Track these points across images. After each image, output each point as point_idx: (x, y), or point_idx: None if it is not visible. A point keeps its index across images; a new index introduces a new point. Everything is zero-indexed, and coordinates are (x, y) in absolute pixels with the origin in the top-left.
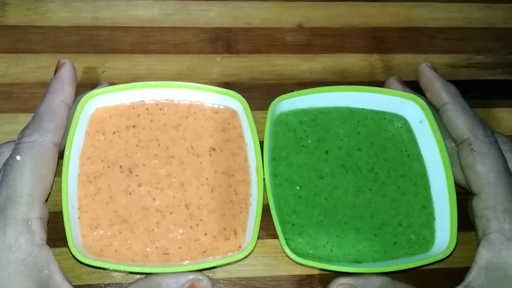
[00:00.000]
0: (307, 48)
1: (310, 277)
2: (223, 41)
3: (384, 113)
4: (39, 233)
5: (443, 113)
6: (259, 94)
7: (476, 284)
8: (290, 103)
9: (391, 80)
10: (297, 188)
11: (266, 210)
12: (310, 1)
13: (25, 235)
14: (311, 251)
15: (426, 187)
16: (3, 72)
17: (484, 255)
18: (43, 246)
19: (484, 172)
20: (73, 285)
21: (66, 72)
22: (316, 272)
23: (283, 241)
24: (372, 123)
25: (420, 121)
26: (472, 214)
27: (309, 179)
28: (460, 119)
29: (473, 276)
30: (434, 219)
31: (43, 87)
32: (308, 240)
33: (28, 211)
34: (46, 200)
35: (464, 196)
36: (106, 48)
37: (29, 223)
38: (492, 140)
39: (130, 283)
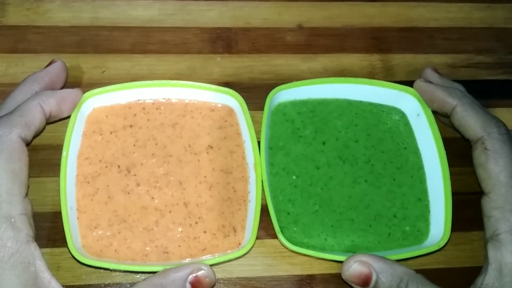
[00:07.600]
0: (307, 48)
1: (310, 277)
2: (223, 41)
3: (382, 106)
4: (24, 230)
5: (454, 116)
6: (259, 94)
7: (494, 286)
8: (288, 94)
9: (426, 70)
10: (294, 177)
11: (265, 210)
12: (310, 1)
13: (9, 233)
14: (305, 240)
15: (422, 180)
16: (3, 72)
17: (497, 257)
18: (28, 242)
19: (495, 172)
20: (72, 285)
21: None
22: (316, 272)
23: (277, 228)
24: (370, 115)
25: (418, 115)
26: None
27: (306, 169)
28: (471, 119)
29: (489, 277)
30: (429, 211)
31: None
32: (302, 229)
33: (9, 208)
34: (27, 195)
35: (462, 196)
36: (106, 48)
37: (13, 220)
38: (506, 138)
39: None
